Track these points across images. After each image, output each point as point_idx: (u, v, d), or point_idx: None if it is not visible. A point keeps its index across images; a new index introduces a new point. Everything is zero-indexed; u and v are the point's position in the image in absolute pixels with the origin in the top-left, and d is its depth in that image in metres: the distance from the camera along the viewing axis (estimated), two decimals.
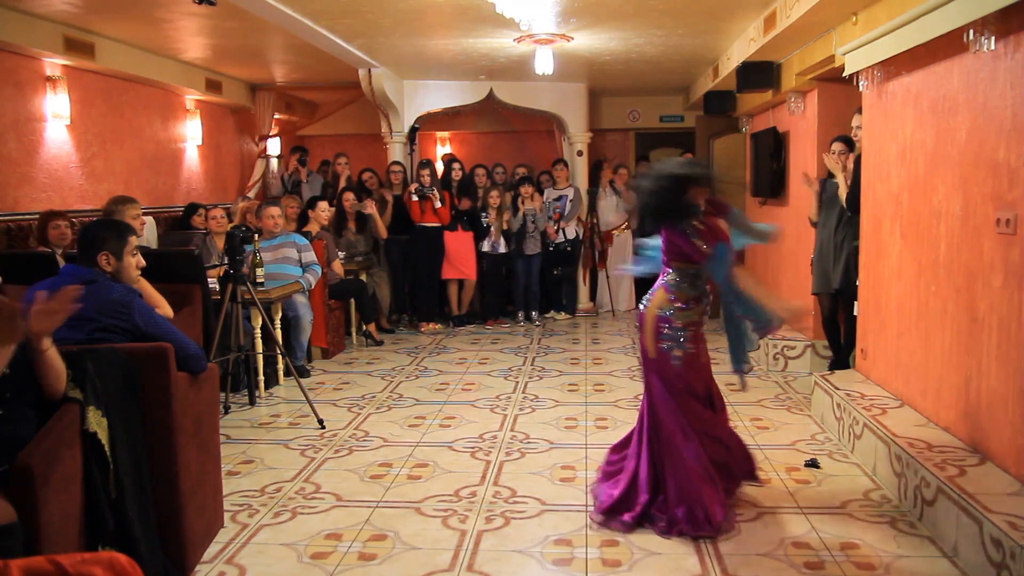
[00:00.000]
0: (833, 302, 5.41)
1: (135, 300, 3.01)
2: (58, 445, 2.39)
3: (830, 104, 5.88)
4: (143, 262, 3.23)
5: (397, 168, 8.32)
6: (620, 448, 3.65)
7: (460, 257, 8.10)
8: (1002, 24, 3.16)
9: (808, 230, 5.64)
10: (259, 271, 5.24)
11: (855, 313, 5.22)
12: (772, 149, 6.86)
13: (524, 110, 9.34)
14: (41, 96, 5.98)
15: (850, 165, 5.15)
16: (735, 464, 3.51)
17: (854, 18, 4.77)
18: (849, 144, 5.25)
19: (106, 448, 2.56)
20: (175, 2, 5.34)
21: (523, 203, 8.15)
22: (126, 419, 2.68)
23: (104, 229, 3.11)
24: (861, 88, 4.64)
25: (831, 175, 5.40)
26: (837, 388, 4.53)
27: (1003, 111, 3.21)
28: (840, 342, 5.49)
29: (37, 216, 5.51)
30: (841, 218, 5.22)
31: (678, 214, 3.32)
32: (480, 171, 8.69)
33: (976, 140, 3.44)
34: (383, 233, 7.90)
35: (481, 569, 3.00)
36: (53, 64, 6.04)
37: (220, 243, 6.10)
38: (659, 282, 3.46)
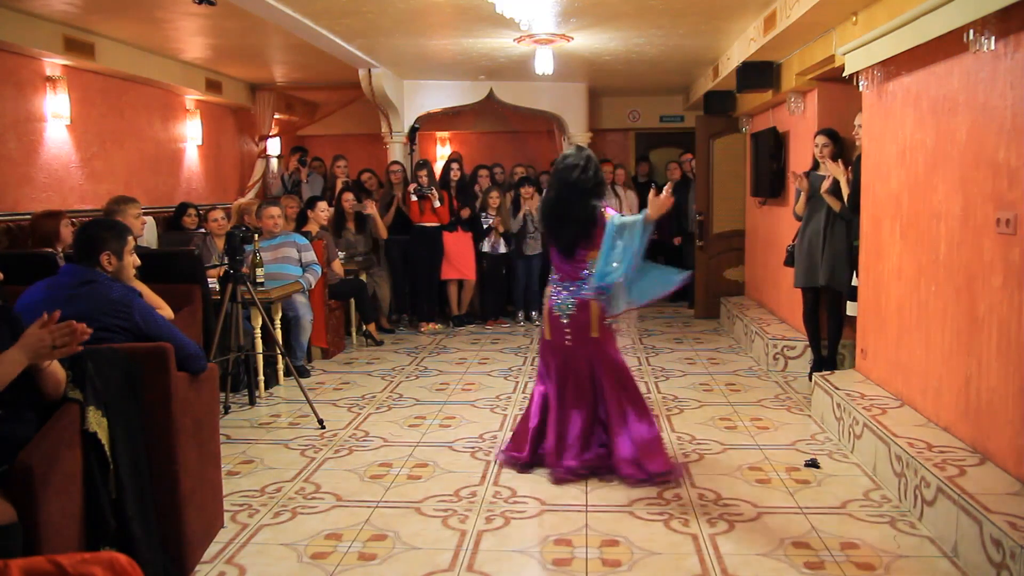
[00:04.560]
0: (815, 297, 5.42)
1: (135, 299, 3.01)
2: (58, 445, 2.38)
3: (830, 104, 5.88)
4: (138, 261, 3.25)
5: (396, 168, 8.31)
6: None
7: (460, 257, 8.09)
8: (1002, 24, 3.16)
9: None
10: (259, 271, 5.24)
11: (848, 312, 5.23)
12: (772, 149, 6.87)
13: (524, 110, 9.35)
14: (41, 96, 5.98)
15: (830, 162, 5.17)
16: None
17: (854, 18, 4.77)
18: (832, 136, 5.26)
19: (106, 448, 2.56)
20: (175, 2, 5.34)
21: (528, 205, 8.15)
22: (126, 419, 2.68)
23: (104, 229, 3.12)
24: (861, 88, 4.64)
25: (815, 168, 5.41)
26: (837, 388, 4.53)
27: (1003, 111, 3.21)
28: (819, 338, 5.50)
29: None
30: (829, 213, 5.23)
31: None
32: (483, 171, 8.69)
33: (976, 140, 3.44)
34: (383, 233, 7.89)
35: (481, 569, 3.00)
36: (53, 64, 6.04)
37: (220, 243, 6.10)
38: (590, 275, 3.91)
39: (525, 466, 3.98)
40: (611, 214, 3.85)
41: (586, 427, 3.93)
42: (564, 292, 3.95)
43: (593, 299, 3.87)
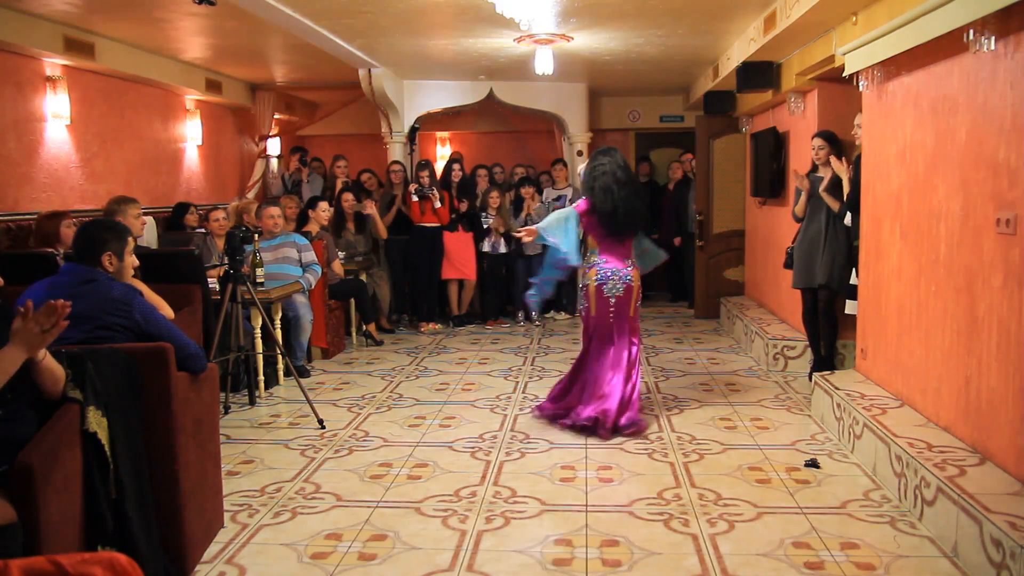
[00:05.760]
0: (815, 297, 5.42)
1: (136, 298, 3.02)
2: (58, 445, 2.38)
3: (830, 104, 5.88)
4: (137, 262, 3.26)
5: (397, 168, 8.31)
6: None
7: (460, 257, 8.10)
8: (1002, 24, 3.16)
9: None
10: (259, 271, 5.24)
11: (848, 311, 5.22)
12: (772, 149, 6.86)
13: (524, 110, 9.34)
14: (41, 96, 5.97)
15: (833, 159, 5.17)
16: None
17: (854, 18, 4.77)
18: (828, 139, 5.26)
19: (106, 448, 2.56)
20: (175, 2, 5.34)
21: (529, 206, 8.14)
22: (126, 419, 2.68)
23: (105, 230, 3.13)
24: (861, 88, 4.64)
25: (814, 170, 5.41)
26: (837, 388, 4.53)
27: (1003, 111, 3.21)
28: (819, 338, 5.50)
29: (36, 216, 5.49)
30: (830, 214, 5.23)
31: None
32: (482, 171, 8.69)
33: (976, 140, 3.44)
34: (383, 233, 7.89)
35: (481, 569, 3.00)
36: (53, 64, 6.04)
37: (220, 243, 6.10)
38: (632, 262, 4.82)
39: (554, 416, 4.76)
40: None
41: (603, 384, 4.69)
42: (613, 277, 4.71)
43: (635, 284, 4.75)
